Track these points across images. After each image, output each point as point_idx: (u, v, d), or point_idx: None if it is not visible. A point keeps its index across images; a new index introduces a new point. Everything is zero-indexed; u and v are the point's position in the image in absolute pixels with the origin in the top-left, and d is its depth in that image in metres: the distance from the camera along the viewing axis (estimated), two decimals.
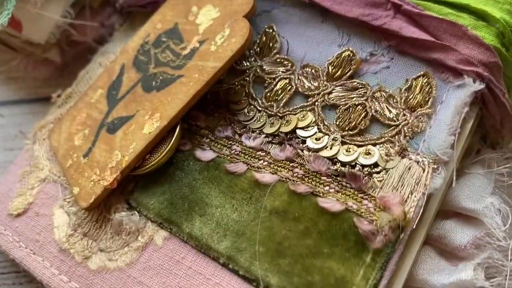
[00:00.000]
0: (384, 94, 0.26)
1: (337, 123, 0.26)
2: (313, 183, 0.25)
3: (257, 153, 0.27)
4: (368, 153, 0.25)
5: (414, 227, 0.23)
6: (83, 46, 0.39)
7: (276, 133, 0.27)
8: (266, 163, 0.26)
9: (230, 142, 0.28)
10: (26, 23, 0.36)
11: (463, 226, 0.25)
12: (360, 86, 0.27)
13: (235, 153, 0.27)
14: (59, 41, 0.38)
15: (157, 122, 0.28)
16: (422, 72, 0.26)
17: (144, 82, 0.31)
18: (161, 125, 0.27)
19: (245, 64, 0.30)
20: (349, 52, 0.28)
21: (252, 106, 0.28)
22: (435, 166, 0.24)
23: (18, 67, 0.39)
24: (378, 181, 0.24)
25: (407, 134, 0.25)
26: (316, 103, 0.27)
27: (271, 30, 0.30)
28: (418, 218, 0.23)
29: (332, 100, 0.27)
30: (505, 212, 0.25)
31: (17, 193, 0.31)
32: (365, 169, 0.25)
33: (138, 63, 0.31)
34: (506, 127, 0.28)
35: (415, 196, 0.24)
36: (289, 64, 0.29)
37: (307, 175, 0.25)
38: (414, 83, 0.26)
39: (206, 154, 0.27)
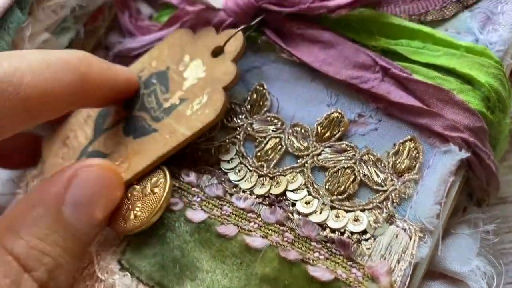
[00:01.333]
0: (372, 157, 0.27)
1: (326, 186, 0.27)
2: (303, 248, 0.25)
3: (248, 214, 0.27)
4: (356, 219, 0.26)
5: None
6: None
7: (267, 194, 0.28)
8: (256, 225, 0.27)
9: (221, 202, 0.28)
10: None
11: None
12: (348, 148, 0.27)
13: (226, 214, 0.27)
14: None
15: (123, 172, 0.29)
16: (409, 137, 0.27)
17: (126, 123, 0.31)
18: (125, 176, 0.29)
19: (236, 122, 0.30)
20: (337, 114, 0.28)
21: (243, 165, 0.29)
22: (422, 235, 0.25)
23: None
24: (366, 248, 0.25)
25: (394, 200, 0.26)
26: (306, 165, 0.28)
27: (261, 88, 0.30)
28: (405, 287, 0.24)
29: (321, 162, 0.27)
30: (490, 274, 0.26)
31: None
32: (354, 236, 0.25)
33: (127, 99, 0.32)
34: (492, 185, 0.29)
35: (402, 265, 0.24)
36: (279, 123, 0.29)
37: (297, 240, 0.26)
38: (401, 148, 0.27)
39: (197, 215, 0.28)
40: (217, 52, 0.31)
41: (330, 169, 0.27)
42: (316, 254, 0.25)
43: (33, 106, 0.25)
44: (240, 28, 0.30)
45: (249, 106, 0.30)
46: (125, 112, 0.32)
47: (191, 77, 0.31)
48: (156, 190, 0.28)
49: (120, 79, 0.30)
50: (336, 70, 0.28)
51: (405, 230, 0.25)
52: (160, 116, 0.30)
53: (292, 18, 0.30)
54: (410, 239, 0.25)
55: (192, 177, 0.29)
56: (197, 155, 0.30)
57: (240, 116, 0.30)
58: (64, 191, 0.25)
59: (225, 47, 0.30)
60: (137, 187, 0.29)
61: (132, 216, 0.28)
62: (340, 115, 0.28)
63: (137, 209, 0.28)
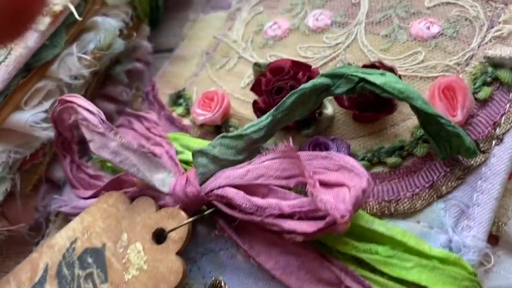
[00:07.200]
0: None
1: None
2: None
3: None
4: None
5: None
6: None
7: None
8: None
9: None
10: None
11: None
12: None
13: None
14: None
15: None
16: None
17: None
18: None
19: None
20: None
21: None
22: None
23: None
24: None
25: None
26: None
27: (219, 284, 0.28)
28: None
29: None
30: None
31: None
32: None
33: (61, 278, 0.29)
34: None
35: None
36: None
37: None
38: None
39: None
40: (159, 235, 0.28)
41: None
42: None
43: None
44: (186, 221, 0.27)
45: None
46: None
47: (131, 267, 0.28)
48: None
49: None
50: (299, 283, 0.26)
51: None
52: None
53: None
54: None
55: None
56: None
57: None
58: None
59: (168, 234, 0.28)
60: None
61: None
62: None
63: None
